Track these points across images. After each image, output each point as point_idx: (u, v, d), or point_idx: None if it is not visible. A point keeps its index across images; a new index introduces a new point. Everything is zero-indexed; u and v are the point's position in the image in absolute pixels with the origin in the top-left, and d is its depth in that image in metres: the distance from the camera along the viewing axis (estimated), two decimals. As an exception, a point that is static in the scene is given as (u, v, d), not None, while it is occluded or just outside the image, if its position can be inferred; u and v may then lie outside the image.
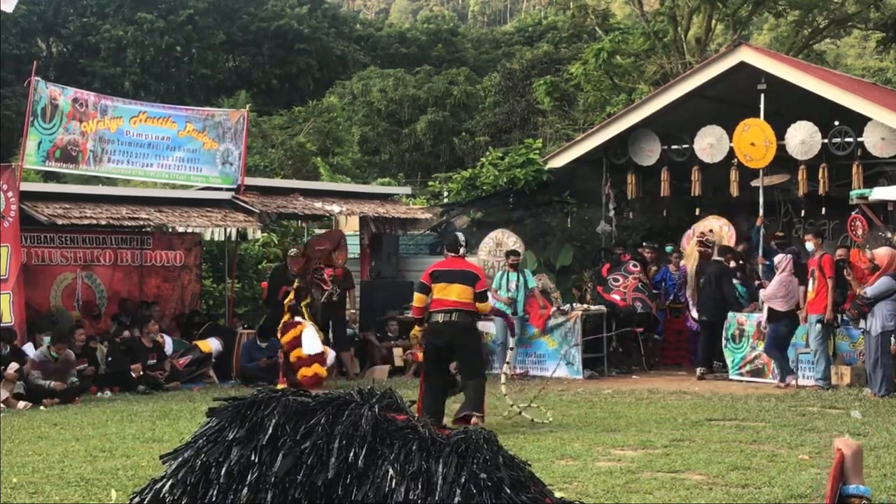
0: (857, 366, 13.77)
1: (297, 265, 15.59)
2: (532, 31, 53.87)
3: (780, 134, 15.96)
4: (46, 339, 13.96)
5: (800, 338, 14.25)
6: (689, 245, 16.22)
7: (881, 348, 12.81)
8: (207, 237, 18.62)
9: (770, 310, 14.04)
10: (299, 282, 14.48)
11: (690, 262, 15.98)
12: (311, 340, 13.60)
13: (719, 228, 16.11)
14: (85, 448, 9.73)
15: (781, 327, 14.02)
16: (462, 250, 10.84)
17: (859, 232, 14.79)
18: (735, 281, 15.38)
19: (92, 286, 16.08)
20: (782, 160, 16.39)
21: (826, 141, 15.89)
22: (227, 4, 55.55)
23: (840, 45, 53.23)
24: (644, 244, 17.37)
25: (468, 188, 19.94)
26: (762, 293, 14.52)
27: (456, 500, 2.88)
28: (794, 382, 13.92)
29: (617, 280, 16.07)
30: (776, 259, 14.47)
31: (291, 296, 14.18)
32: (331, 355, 15.62)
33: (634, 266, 16.22)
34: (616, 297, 15.89)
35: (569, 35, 35.96)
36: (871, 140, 15.55)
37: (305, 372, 13.35)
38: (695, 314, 15.70)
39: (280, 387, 13.77)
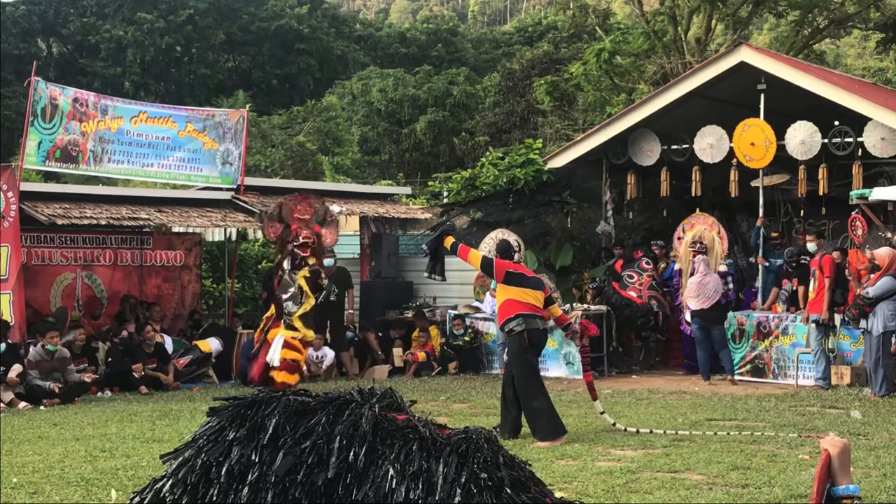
0: (857, 366, 13.78)
1: (273, 231, 12.95)
2: (532, 31, 53.87)
3: (780, 134, 15.94)
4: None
5: (800, 338, 14.28)
6: (682, 247, 16.19)
7: (882, 348, 12.82)
8: (207, 237, 18.64)
9: (691, 309, 14.79)
10: (278, 250, 12.72)
11: (683, 264, 15.95)
12: (274, 350, 12.56)
13: (711, 240, 15.97)
14: (85, 448, 9.73)
15: (694, 325, 14.72)
16: (517, 256, 10.99)
17: (859, 232, 14.76)
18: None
19: (92, 286, 16.09)
20: (782, 160, 16.36)
21: (826, 141, 15.87)
22: (227, 4, 55.58)
23: (840, 45, 53.24)
24: (652, 242, 17.33)
25: (468, 188, 19.92)
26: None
27: (456, 499, 2.88)
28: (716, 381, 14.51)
29: (632, 277, 16.06)
30: (695, 261, 14.85)
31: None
32: (329, 356, 15.61)
33: (647, 263, 16.24)
34: (633, 293, 15.88)
35: (569, 35, 35.92)
36: (871, 140, 15.53)
37: (275, 376, 12.56)
38: (688, 317, 15.56)
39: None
